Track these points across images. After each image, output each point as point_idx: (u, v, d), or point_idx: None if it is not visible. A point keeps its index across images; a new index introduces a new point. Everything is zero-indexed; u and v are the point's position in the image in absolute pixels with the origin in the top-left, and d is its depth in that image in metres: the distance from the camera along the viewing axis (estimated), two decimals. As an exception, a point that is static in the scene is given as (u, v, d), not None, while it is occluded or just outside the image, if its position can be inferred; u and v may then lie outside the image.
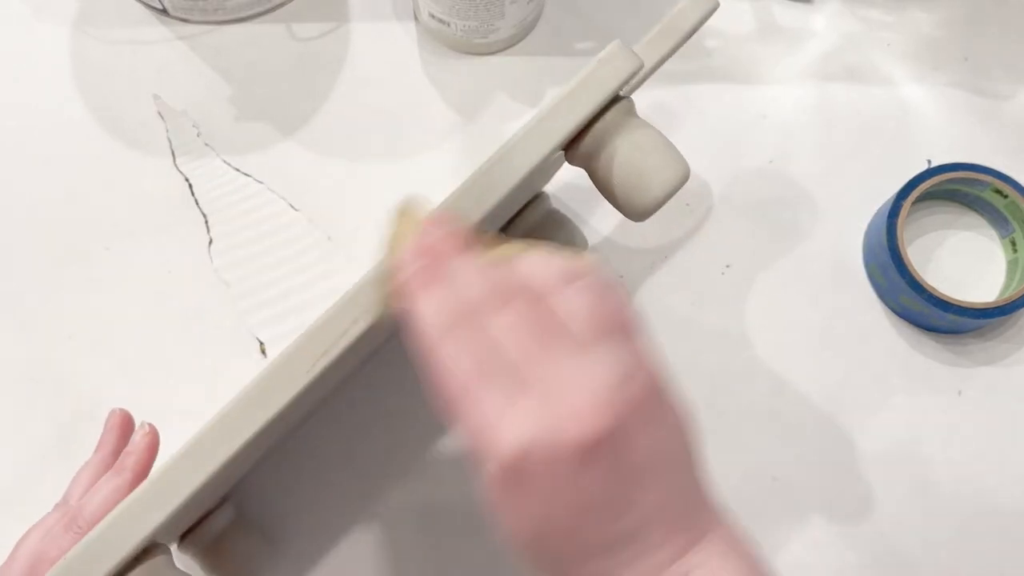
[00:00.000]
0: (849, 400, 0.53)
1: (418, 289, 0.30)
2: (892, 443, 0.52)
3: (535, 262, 0.30)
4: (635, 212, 0.41)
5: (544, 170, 0.44)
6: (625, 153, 0.40)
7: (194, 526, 0.45)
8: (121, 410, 0.45)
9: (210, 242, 0.56)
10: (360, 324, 0.35)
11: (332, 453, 0.52)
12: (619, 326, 0.29)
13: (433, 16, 0.58)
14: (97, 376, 0.53)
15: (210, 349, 0.54)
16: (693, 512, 0.29)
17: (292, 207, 0.57)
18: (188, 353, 0.54)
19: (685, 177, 0.41)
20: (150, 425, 0.42)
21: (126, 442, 0.43)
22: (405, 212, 0.35)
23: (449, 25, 0.57)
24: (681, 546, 0.28)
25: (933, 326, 0.54)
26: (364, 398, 0.52)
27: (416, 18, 0.61)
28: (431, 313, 0.29)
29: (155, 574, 0.35)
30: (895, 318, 0.55)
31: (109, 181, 0.57)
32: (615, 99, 0.41)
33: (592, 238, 0.55)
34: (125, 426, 0.44)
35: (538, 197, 0.53)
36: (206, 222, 0.56)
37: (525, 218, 0.53)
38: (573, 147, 0.41)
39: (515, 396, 0.27)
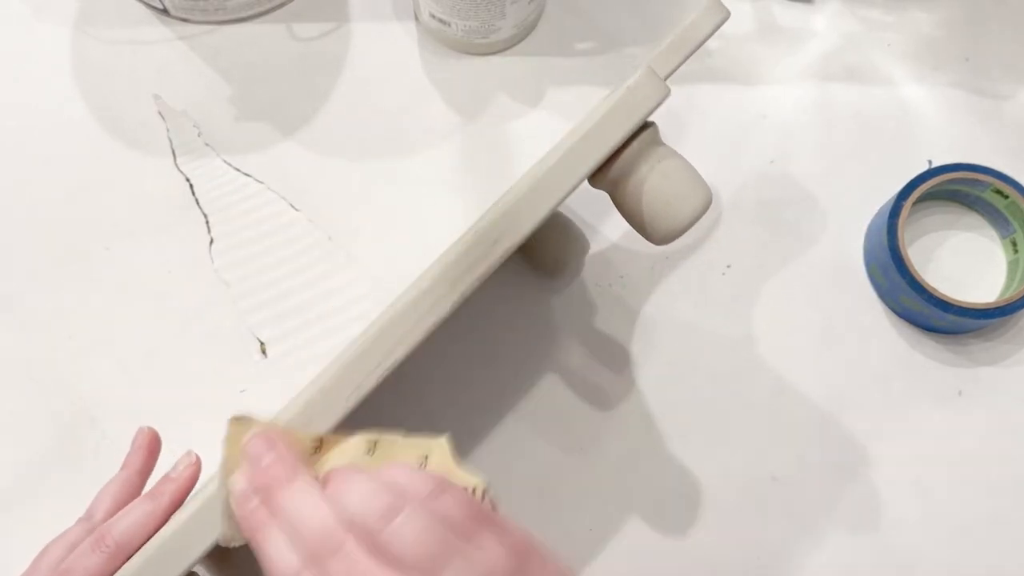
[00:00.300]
0: (849, 400, 0.53)
1: (257, 531, 0.32)
2: (892, 443, 0.52)
3: (361, 493, 0.31)
4: (659, 237, 0.42)
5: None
6: (652, 180, 0.40)
7: None
8: (150, 429, 0.44)
9: (211, 242, 0.56)
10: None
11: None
12: (461, 535, 0.30)
13: (434, 16, 0.57)
14: (97, 376, 0.53)
15: (210, 349, 0.54)
16: None
17: (292, 207, 0.57)
18: (188, 353, 0.54)
19: (708, 203, 0.41)
20: (196, 456, 0.41)
21: (153, 462, 0.43)
22: (233, 434, 0.34)
23: (450, 25, 0.57)
24: None
25: (933, 326, 0.54)
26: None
27: (416, 18, 0.61)
28: (277, 558, 0.31)
29: None
30: (895, 318, 0.55)
31: (109, 181, 0.57)
32: (643, 126, 0.41)
33: (593, 238, 0.55)
34: (152, 446, 0.43)
35: None
36: (207, 222, 0.56)
37: None
38: (599, 173, 0.41)
39: None
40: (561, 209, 0.54)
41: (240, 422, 0.34)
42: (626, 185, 0.41)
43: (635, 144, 0.40)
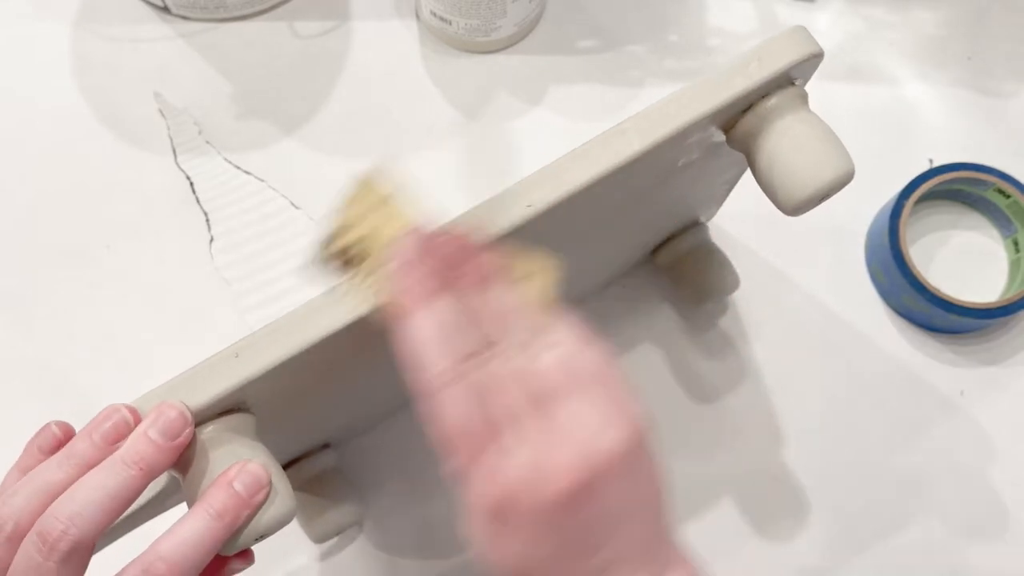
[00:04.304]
0: (850, 400, 0.53)
1: (419, 302, 0.31)
2: (893, 443, 0.52)
3: (523, 306, 0.31)
4: (786, 205, 0.39)
5: (703, 168, 0.43)
6: (784, 144, 0.38)
7: (293, 461, 0.46)
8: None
9: (211, 240, 0.56)
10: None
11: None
12: (598, 379, 0.30)
13: (435, 14, 0.57)
14: (97, 376, 0.53)
15: (210, 348, 0.53)
16: (658, 550, 0.31)
17: (293, 205, 0.56)
18: (188, 352, 0.53)
19: (844, 176, 0.38)
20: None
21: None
22: (368, 185, 0.33)
23: (451, 23, 0.57)
24: None
25: (935, 326, 0.54)
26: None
27: (418, 16, 0.60)
28: (434, 343, 0.30)
29: (236, 430, 0.34)
30: (897, 318, 0.55)
31: (110, 179, 0.57)
32: (788, 83, 0.39)
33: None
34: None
35: (696, 226, 0.53)
36: (207, 220, 0.56)
37: (676, 245, 0.53)
38: (733, 128, 0.39)
39: (508, 448, 0.29)
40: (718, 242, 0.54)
41: (375, 176, 0.34)
42: (758, 145, 0.39)
43: (775, 98, 0.38)
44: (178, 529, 0.30)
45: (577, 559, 0.29)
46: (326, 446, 0.49)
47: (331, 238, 0.33)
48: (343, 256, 0.34)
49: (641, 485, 0.30)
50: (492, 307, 0.31)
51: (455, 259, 0.32)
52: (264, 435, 0.35)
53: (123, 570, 0.29)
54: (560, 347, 0.30)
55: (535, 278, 0.33)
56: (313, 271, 0.34)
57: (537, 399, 0.30)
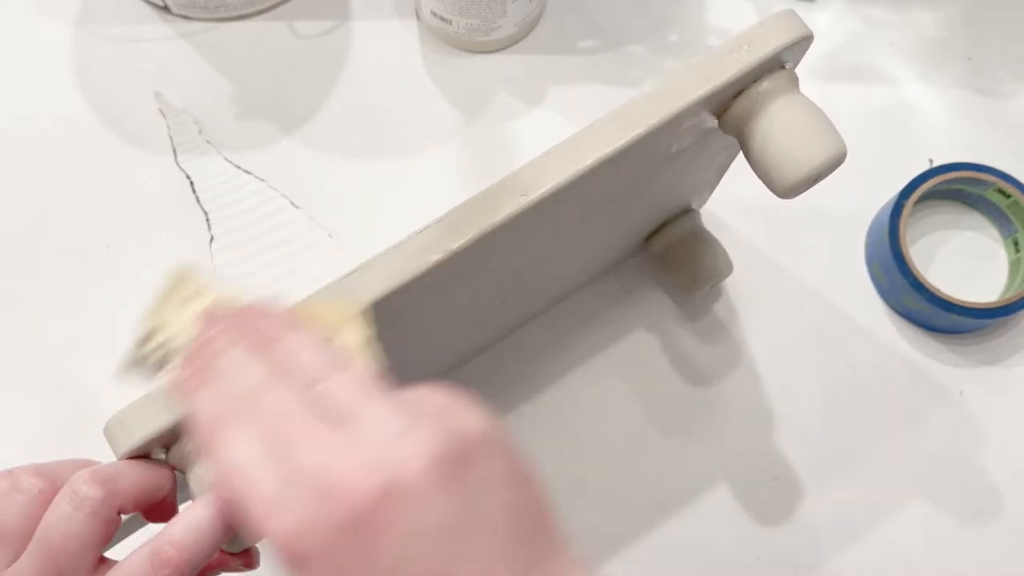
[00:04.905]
0: (850, 400, 0.53)
1: (187, 396, 0.29)
2: (893, 443, 0.52)
3: (319, 345, 0.29)
4: (779, 188, 0.39)
5: (695, 154, 0.42)
6: (776, 127, 0.38)
7: None
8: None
9: (211, 240, 0.56)
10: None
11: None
12: (405, 397, 0.27)
13: (435, 14, 0.57)
14: (97, 376, 0.53)
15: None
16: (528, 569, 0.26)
17: (293, 205, 0.56)
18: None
19: (835, 157, 0.38)
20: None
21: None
22: (180, 279, 0.33)
23: (451, 23, 0.57)
24: None
25: (935, 326, 0.54)
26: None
27: (418, 16, 0.60)
28: (205, 408, 0.28)
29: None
30: (897, 318, 0.55)
31: (110, 179, 0.57)
32: (778, 67, 0.38)
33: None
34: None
35: (688, 212, 0.53)
36: (207, 220, 0.56)
37: (668, 232, 0.53)
38: (725, 113, 0.39)
39: (285, 483, 0.25)
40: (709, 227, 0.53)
41: (182, 279, 0.33)
42: (750, 129, 0.38)
43: (766, 82, 0.38)
44: (188, 515, 0.29)
45: None
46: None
47: (144, 338, 0.33)
48: (158, 355, 0.34)
49: (477, 493, 0.25)
50: (287, 350, 0.28)
51: (245, 324, 0.30)
52: None
53: (133, 553, 0.29)
54: (354, 370, 0.27)
55: (345, 328, 0.31)
56: (130, 372, 0.34)
57: (323, 420, 0.26)
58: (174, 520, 0.30)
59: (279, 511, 0.25)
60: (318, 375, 0.27)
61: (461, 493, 0.25)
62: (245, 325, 0.30)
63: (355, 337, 0.30)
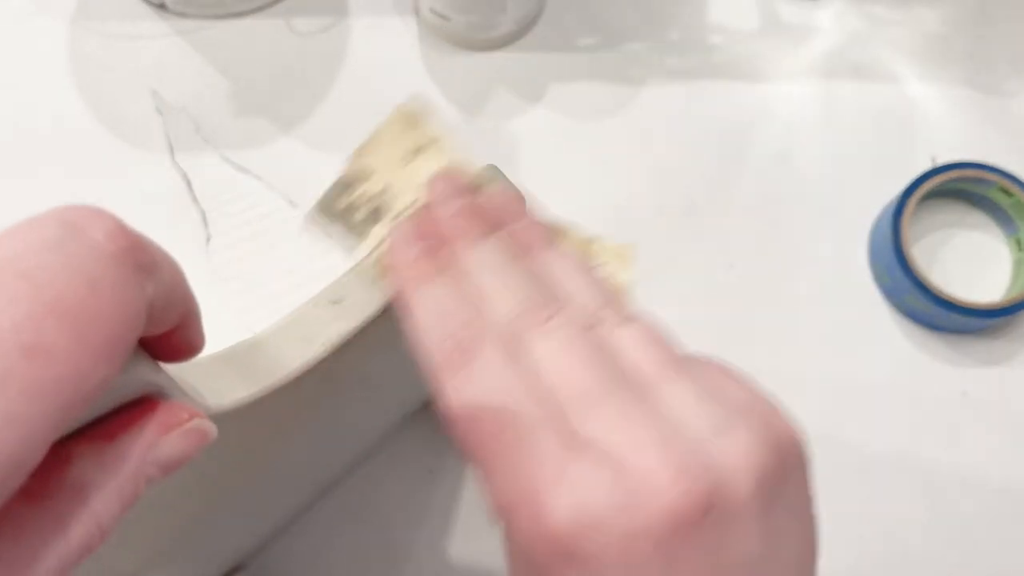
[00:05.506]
0: (853, 400, 0.53)
1: (415, 283, 0.23)
2: (896, 444, 0.52)
3: (590, 275, 0.22)
4: None
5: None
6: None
7: None
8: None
9: (208, 238, 0.55)
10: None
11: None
12: (710, 368, 0.22)
13: (434, 11, 0.57)
14: (93, 374, 0.53)
15: (208, 347, 0.53)
16: None
17: (291, 203, 0.56)
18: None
19: None
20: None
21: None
22: (407, 119, 0.23)
23: (450, 20, 0.57)
24: None
25: (938, 326, 0.53)
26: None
27: (416, 13, 0.60)
28: (435, 324, 0.22)
29: None
30: (900, 317, 0.54)
31: (106, 177, 0.57)
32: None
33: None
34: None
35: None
36: (204, 218, 0.56)
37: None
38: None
39: (568, 454, 0.19)
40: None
41: (416, 110, 0.22)
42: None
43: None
44: None
45: None
46: (236, 569, 0.44)
47: (347, 182, 0.24)
48: (364, 209, 0.25)
49: (787, 528, 0.20)
50: (548, 270, 0.23)
51: (492, 214, 0.24)
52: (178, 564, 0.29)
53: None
54: (646, 323, 0.21)
55: (611, 266, 0.24)
56: (317, 222, 0.24)
57: (610, 383, 0.20)
58: None
59: (556, 489, 0.19)
60: (600, 316, 0.22)
61: (773, 522, 0.20)
62: (493, 215, 0.24)
63: (624, 282, 0.23)
